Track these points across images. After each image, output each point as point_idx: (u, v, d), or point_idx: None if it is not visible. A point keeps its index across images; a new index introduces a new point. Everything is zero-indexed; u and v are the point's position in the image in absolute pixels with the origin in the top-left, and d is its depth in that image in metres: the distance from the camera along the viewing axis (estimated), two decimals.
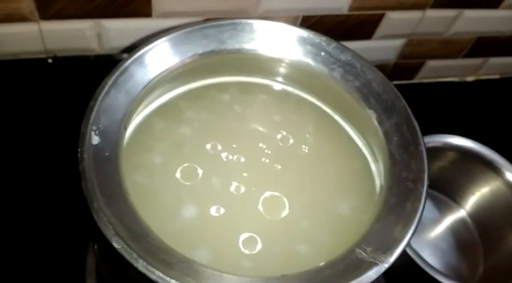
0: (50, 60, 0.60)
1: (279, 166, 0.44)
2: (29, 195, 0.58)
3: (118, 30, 0.59)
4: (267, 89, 0.50)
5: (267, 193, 0.42)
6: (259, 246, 0.39)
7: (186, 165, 0.42)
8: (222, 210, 0.40)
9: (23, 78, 0.61)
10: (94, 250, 0.45)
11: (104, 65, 0.61)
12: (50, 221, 0.57)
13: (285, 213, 0.42)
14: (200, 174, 0.42)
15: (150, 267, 0.30)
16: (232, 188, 0.42)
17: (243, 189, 0.42)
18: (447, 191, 0.69)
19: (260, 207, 0.41)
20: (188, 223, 0.39)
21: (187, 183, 0.41)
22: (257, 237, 0.39)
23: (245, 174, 0.43)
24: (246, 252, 0.39)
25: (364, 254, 0.34)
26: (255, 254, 0.39)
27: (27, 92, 0.62)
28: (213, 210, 0.40)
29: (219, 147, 0.44)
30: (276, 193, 0.42)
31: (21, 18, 0.54)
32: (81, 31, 0.58)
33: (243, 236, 0.39)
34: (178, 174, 0.42)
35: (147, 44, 0.41)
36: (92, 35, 0.58)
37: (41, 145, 0.61)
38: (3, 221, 0.56)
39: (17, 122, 0.62)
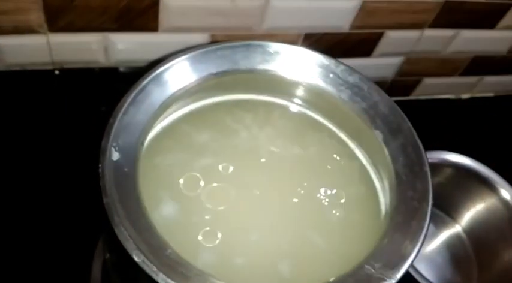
0: (56, 72, 0.61)
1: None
2: (34, 204, 0.58)
3: (124, 43, 0.59)
4: (276, 106, 0.51)
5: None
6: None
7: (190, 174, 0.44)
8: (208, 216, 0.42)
9: (29, 88, 0.61)
10: (105, 260, 0.45)
11: (109, 78, 0.62)
12: (55, 230, 0.57)
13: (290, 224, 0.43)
14: (202, 185, 0.43)
15: (169, 280, 0.31)
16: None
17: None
18: (443, 207, 0.70)
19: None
20: None
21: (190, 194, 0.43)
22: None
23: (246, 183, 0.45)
24: (208, 245, 0.40)
25: (372, 270, 0.35)
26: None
27: (34, 102, 0.63)
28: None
29: (222, 162, 0.46)
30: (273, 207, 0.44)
31: (29, 30, 0.55)
32: (89, 44, 0.58)
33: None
34: (181, 181, 0.43)
35: (163, 64, 0.42)
36: (99, 48, 0.59)
37: (46, 155, 0.62)
38: (12, 231, 0.56)
39: (22, 131, 0.62)
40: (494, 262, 0.65)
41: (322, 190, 0.45)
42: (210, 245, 0.40)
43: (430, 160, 0.63)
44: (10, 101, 0.62)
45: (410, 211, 0.39)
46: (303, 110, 0.51)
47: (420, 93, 0.85)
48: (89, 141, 0.59)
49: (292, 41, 0.65)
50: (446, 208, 0.70)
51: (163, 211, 0.41)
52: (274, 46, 0.47)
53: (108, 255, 0.43)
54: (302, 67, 0.47)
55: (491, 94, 0.90)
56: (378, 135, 0.44)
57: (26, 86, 0.61)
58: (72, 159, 0.61)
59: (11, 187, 0.59)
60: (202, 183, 0.43)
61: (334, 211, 0.44)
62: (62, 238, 0.57)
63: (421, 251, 0.65)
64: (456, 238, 0.69)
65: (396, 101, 0.46)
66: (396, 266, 0.35)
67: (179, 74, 0.43)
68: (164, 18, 0.57)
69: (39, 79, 0.61)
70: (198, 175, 0.43)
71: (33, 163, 0.61)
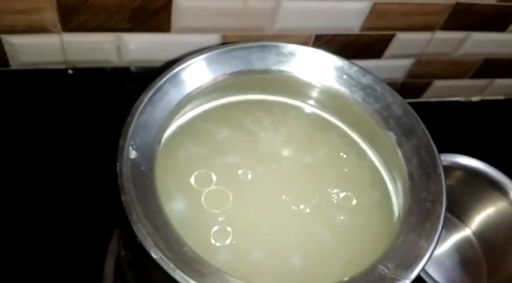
0: (70, 71, 0.61)
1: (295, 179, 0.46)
2: (47, 202, 0.59)
3: (137, 43, 0.60)
4: (290, 107, 0.51)
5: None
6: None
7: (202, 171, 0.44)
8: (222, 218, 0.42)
9: (43, 87, 0.62)
10: (120, 257, 0.46)
11: (121, 77, 0.62)
12: (68, 228, 0.57)
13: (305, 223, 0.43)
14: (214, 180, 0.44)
15: (186, 277, 0.32)
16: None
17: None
18: (453, 210, 0.70)
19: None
20: None
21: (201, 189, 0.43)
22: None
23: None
24: (218, 244, 0.40)
25: (386, 270, 0.35)
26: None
27: (47, 101, 0.63)
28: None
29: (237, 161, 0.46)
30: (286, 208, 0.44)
31: (43, 30, 0.55)
32: (101, 44, 0.59)
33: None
34: (195, 178, 0.43)
35: (180, 64, 0.43)
36: (112, 48, 0.59)
37: (59, 153, 0.62)
38: (25, 228, 0.57)
39: (36, 130, 0.62)
40: (504, 266, 0.64)
41: (335, 191, 0.45)
42: (222, 244, 0.40)
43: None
44: (24, 99, 0.62)
45: (424, 213, 0.39)
46: (317, 111, 0.51)
47: (430, 96, 0.85)
48: (100, 139, 0.60)
49: (303, 42, 0.65)
50: (457, 211, 0.70)
51: (178, 208, 0.41)
52: (288, 47, 0.47)
53: (123, 252, 0.44)
54: (316, 68, 0.48)
55: (501, 97, 0.90)
56: (392, 137, 0.45)
57: (39, 85, 0.62)
58: (84, 158, 0.61)
59: (24, 185, 0.59)
60: (215, 182, 0.43)
61: (346, 213, 0.44)
62: (75, 236, 0.57)
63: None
64: (466, 241, 0.69)
65: None
66: (410, 266, 0.35)
67: (195, 74, 0.44)
68: (176, 18, 0.57)
69: (52, 78, 0.61)
70: (212, 173, 0.44)
71: (46, 161, 0.61)
